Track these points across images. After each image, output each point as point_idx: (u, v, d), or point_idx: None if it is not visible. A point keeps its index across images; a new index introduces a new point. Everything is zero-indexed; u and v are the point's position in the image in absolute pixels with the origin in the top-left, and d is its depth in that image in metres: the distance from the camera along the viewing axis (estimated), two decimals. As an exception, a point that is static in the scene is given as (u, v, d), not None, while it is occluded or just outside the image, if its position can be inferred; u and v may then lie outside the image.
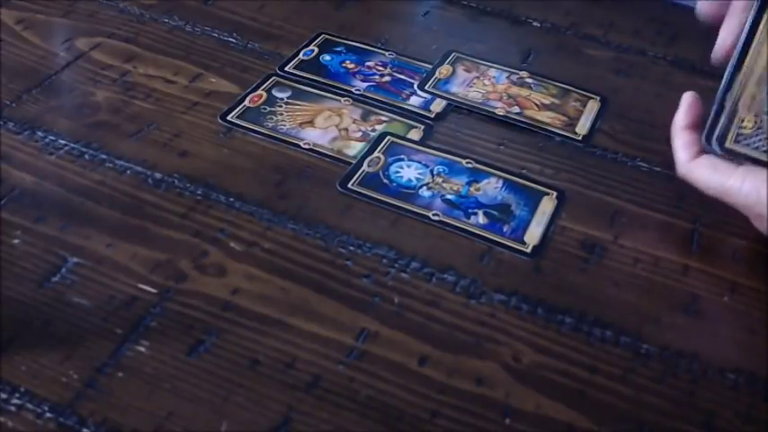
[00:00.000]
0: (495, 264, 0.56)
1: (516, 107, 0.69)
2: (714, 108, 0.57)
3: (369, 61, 0.72)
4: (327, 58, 0.72)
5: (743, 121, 0.56)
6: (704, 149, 0.57)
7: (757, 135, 0.56)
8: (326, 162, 0.62)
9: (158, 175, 0.60)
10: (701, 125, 0.58)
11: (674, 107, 0.60)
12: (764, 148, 0.56)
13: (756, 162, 0.56)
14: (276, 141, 0.63)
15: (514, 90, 0.70)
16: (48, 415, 0.45)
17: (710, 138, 0.57)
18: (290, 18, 0.77)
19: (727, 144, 0.57)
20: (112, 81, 0.68)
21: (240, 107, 0.66)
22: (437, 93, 0.69)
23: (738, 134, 0.56)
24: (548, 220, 0.59)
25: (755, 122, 0.56)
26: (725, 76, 0.57)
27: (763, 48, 0.55)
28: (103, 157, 0.61)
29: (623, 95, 0.71)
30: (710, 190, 0.57)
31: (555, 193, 0.61)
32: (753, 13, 0.56)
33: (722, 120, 0.57)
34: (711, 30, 0.60)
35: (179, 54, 0.71)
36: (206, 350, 0.49)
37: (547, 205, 0.60)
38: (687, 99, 0.59)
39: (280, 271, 0.54)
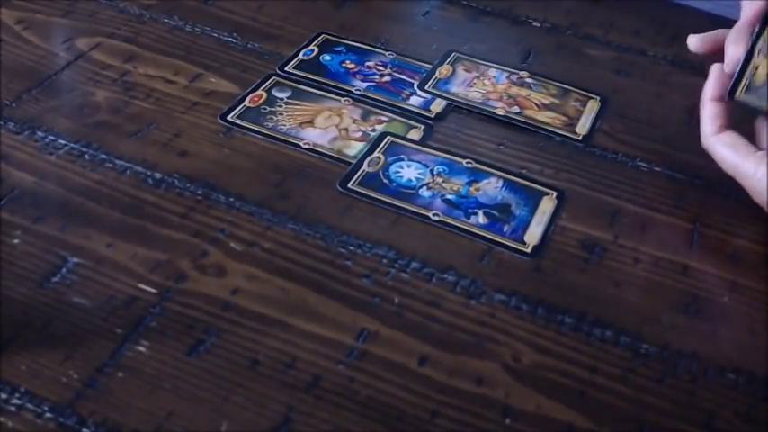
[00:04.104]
0: (495, 264, 0.56)
1: (516, 107, 0.69)
2: (742, 59, 0.56)
3: (369, 61, 0.72)
4: (327, 58, 0.72)
5: (756, 68, 0.55)
6: (730, 123, 0.57)
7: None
8: (326, 162, 0.62)
9: (158, 175, 0.60)
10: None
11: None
12: None
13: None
14: (276, 141, 0.63)
15: (514, 90, 0.70)
16: (48, 415, 0.45)
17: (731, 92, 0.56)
18: (290, 18, 0.77)
19: (738, 95, 0.56)
20: (112, 81, 0.68)
21: (240, 107, 0.66)
22: (437, 93, 0.69)
23: (751, 83, 0.56)
24: (548, 220, 0.59)
25: None
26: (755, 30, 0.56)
27: None
28: (103, 157, 0.61)
29: (623, 95, 0.71)
30: (726, 167, 0.57)
31: (555, 193, 0.61)
32: None
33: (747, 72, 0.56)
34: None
35: (179, 54, 0.71)
36: (206, 350, 0.49)
37: (547, 205, 0.60)
38: (715, 71, 0.59)
39: (280, 271, 0.54)
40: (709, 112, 0.59)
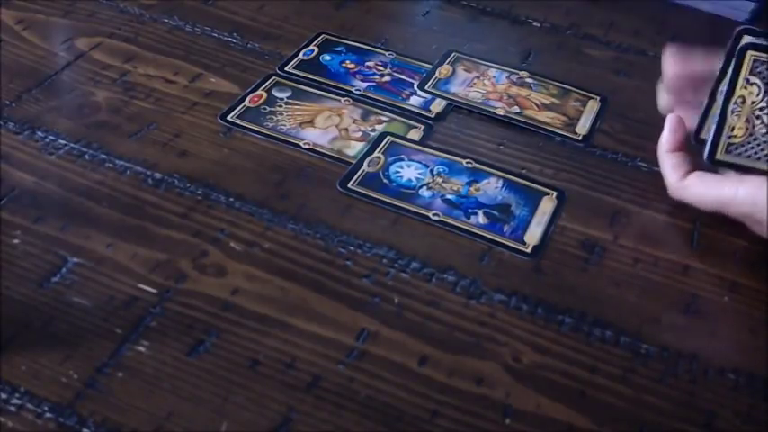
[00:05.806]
0: (495, 264, 0.56)
1: (516, 107, 0.69)
2: (716, 121, 0.57)
3: (369, 61, 0.72)
4: (327, 58, 0.72)
5: (732, 129, 0.56)
6: (693, 168, 0.58)
7: (750, 143, 0.56)
8: (326, 162, 0.62)
9: (158, 175, 0.60)
10: (686, 146, 0.59)
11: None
12: (758, 156, 0.56)
13: (755, 172, 0.55)
14: (276, 141, 0.63)
15: (514, 90, 0.70)
16: (48, 415, 0.45)
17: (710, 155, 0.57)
18: (290, 18, 0.77)
19: (720, 156, 0.57)
20: (112, 81, 0.68)
21: (240, 107, 0.66)
22: (437, 93, 0.69)
23: (729, 144, 0.56)
24: (548, 220, 0.59)
25: (746, 129, 0.56)
26: (724, 86, 0.57)
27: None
28: (103, 157, 0.61)
29: (623, 95, 0.71)
30: (706, 205, 0.57)
31: (555, 193, 0.61)
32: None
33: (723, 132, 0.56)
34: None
35: (179, 54, 0.71)
36: (206, 350, 0.49)
37: (547, 205, 0.60)
38: (671, 122, 0.60)
39: (280, 271, 0.54)
40: (671, 163, 0.59)
